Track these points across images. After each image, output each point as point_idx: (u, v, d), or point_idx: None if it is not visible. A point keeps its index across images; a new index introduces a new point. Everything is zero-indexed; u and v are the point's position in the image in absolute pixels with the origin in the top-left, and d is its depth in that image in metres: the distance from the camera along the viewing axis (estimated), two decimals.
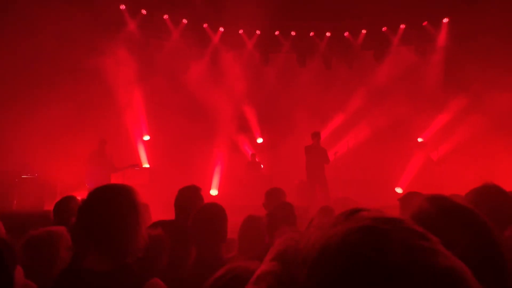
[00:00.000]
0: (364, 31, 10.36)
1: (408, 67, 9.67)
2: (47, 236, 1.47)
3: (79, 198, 2.74)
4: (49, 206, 6.36)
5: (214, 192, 9.03)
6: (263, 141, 10.56)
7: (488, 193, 1.56)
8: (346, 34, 10.51)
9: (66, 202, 2.54)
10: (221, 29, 10.27)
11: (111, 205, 1.24)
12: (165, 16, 9.66)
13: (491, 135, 7.92)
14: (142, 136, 9.34)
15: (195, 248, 1.72)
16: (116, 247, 1.21)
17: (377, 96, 9.66)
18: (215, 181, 9.20)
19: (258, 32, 10.42)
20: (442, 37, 9.66)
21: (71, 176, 6.80)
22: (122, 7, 9.04)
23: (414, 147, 9.27)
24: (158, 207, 3.57)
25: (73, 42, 7.31)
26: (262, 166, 9.40)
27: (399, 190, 8.87)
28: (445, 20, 9.56)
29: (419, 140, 9.48)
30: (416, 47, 10.15)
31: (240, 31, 10.42)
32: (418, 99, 9.17)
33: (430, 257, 0.33)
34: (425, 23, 9.82)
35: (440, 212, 0.86)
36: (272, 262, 0.39)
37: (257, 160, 9.41)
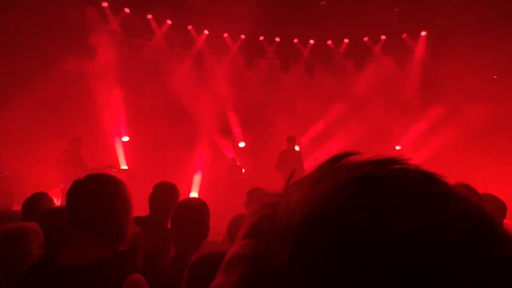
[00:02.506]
0: (346, 40, 10.62)
1: (388, 76, 9.98)
2: (17, 231, 1.38)
3: (50, 195, 2.61)
4: (19, 206, 6.07)
5: (194, 195, 8.89)
6: (245, 145, 10.54)
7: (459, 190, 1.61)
8: (329, 42, 10.73)
9: (36, 199, 2.40)
10: (206, 31, 10.24)
11: (102, 193, 1.19)
12: (149, 16, 9.52)
13: (466, 145, 8.26)
14: (121, 137, 9.10)
15: (174, 244, 1.66)
16: (109, 235, 1.15)
17: (357, 105, 9.89)
18: (196, 184, 9.07)
19: (242, 36, 10.46)
20: (420, 49, 10.05)
21: (42, 176, 6.51)
22: (105, 4, 8.84)
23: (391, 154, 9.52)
24: (137, 209, 3.47)
25: (50, 39, 7.06)
26: (243, 170, 9.36)
27: None
28: (423, 33, 9.96)
29: (397, 148, 9.75)
30: (396, 57, 10.50)
31: (225, 35, 10.43)
32: (396, 108, 9.46)
33: (451, 203, 0.26)
34: (404, 35, 10.19)
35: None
36: (244, 241, 0.28)
37: (237, 164, 9.36)
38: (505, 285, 0.22)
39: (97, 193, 1.18)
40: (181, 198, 2.41)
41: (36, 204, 2.34)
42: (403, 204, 0.24)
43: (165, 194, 2.26)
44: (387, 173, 0.27)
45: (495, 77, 9.42)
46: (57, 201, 4.54)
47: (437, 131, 8.95)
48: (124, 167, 8.78)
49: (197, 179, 9.12)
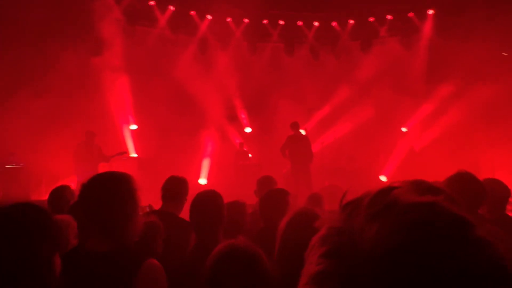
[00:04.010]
0: (351, 22, 10.44)
1: (394, 58, 9.85)
2: (60, 223, 1.52)
3: (72, 187, 2.76)
4: (35, 196, 6.30)
5: (203, 181, 9.08)
6: (251, 131, 10.62)
7: (462, 179, 1.70)
8: (334, 24, 10.56)
9: (60, 191, 2.57)
10: (209, 17, 10.14)
11: (111, 191, 1.30)
12: (152, 3, 9.45)
13: (473, 125, 8.22)
14: (129, 125, 9.24)
15: (195, 233, 1.79)
16: (114, 230, 1.28)
17: (363, 87, 9.83)
18: (204, 170, 9.24)
19: (246, 20, 10.34)
20: (427, 28, 9.85)
21: (56, 166, 6.71)
22: None
23: (398, 137, 9.53)
24: (147, 196, 3.61)
25: (57, 30, 7.11)
26: (250, 155, 9.48)
27: (383, 178, 9.14)
28: (430, 11, 9.74)
29: (403, 130, 9.74)
30: (402, 38, 10.31)
31: (228, 19, 10.32)
32: (402, 90, 9.39)
33: (481, 249, 0.36)
34: (411, 14, 9.97)
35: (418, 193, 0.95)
36: (329, 260, 0.38)
37: (245, 149, 9.48)
38: None
39: (103, 194, 1.30)
40: (190, 184, 2.56)
41: (60, 196, 2.49)
42: (444, 249, 0.36)
43: (176, 187, 2.40)
44: (434, 217, 0.38)
45: (505, 54, 9.25)
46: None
47: (444, 111, 8.89)
48: (134, 154, 8.96)
49: (205, 165, 9.28)
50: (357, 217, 0.40)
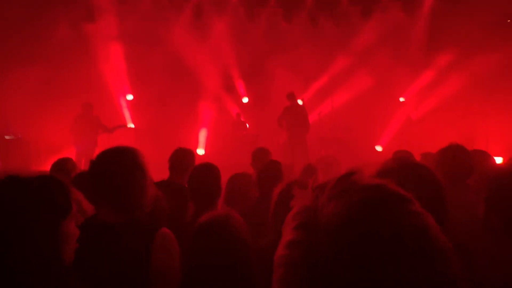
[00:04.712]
0: None
1: (394, 25, 9.59)
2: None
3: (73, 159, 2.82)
4: (35, 167, 6.38)
5: (200, 151, 9.16)
6: (248, 101, 10.55)
7: (452, 151, 1.78)
8: None
9: (62, 163, 2.64)
10: None
11: (121, 164, 1.35)
12: None
13: (472, 95, 8.18)
14: (125, 95, 9.14)
15: (193, 204, 1.87)
16: (126, 202, 1.33)
17: (363, 55, 9.65)
18: (202, 140, 9.30)
19: None
20: None
21: (54, 136, 6.73)
22: None
23: (395, 106, 9.52)
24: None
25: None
26: (247, 125, 9.51)
27: (379, 148, 9.25)
28: None
29: (401, 99, 9.71)
30: (404, 3, 9.98)
31: None
32: (402, 58, 9.24)
33: (412, 219, 0.45)
34: None
35: (400, 169, 1.01)
36: (297, 231, 0.47)
37: (242, 119, 9.48)
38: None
39: (114, 167, 1.34)
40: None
41: (62, 167, 2.56)
42: (381, 220, 0.45)
43: (184, 158, 2.48)
44: (378, 196, 0.47)
45: (509, 21, 9.02)
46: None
47: (443, 81, 8.82)
48: (131, 125, 8.96)
49: (202, 135, 9.33)
50: (321, 197, 0.49)
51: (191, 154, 2.62)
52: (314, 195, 0.50)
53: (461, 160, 1.73)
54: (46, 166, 2.91)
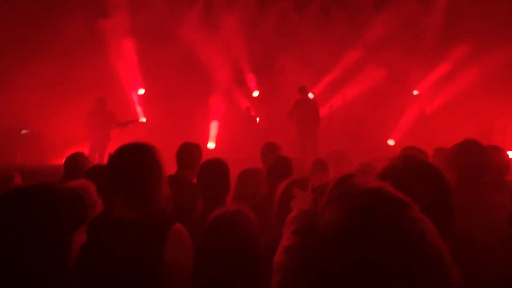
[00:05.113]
0: None
1: (409, 16, 9.35)
2: (84, 186, 1.62)
3: (85, 153, 2.89)
4: (52, 161, 6.55)
5: (211, 145, 9.21)
6: (258, 94, 10.52)
7: (467, 147, 1.72)
8: None
9: (75, 157, 2.71)
10: None
11: (140, 160, 1.37)
12: None
13: (488, 88, 7.95)
14: (136, 89, 9.24)
15: (202, 199, 1.89)
16: (143, 198, 1.36)
17: (376, 48, 9.46)
18: (212, 134, 9.34)
19: None
20: None
21: (69, 131, 6.88)
22: None
23: (409, 100, 9.33)
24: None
25: None
26: (258, 119, 9.49)
27: (391, 142, 9.11)
28: None
29: (415, 93, 9.51)
30: None
31: None
32: (417, 50, 9.03)
33: (409, 225, 0.45)
34: None
35: (406, 168, 0.98)
36: (295, 236, 0.48)
37: (252, 114, 9.47)
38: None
39: (131, 163, 1.37)
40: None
41: (75, 161, 2.64)
42: (379, 226, 0.45)
43: (191, 153, 2.47)
44: (375, 202, 0.47)
45: None
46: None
47: (459, 74, 8.58)
48: (143, 119, 9.06)
49: (213, 129, 9.36)
50: (320, 201, 0.49)
51: (198, 148, 2.58)
52: (313, 198, 0.50)
53: (476, 157, 1.67)
54: (61, 160, 2.98)
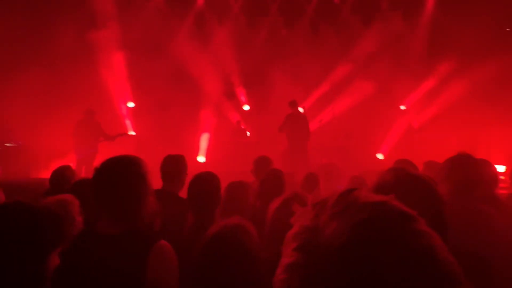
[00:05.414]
0: None
1: (395, 33, 9.65)
2: (63, 203, 1.56)
3: (72, 166, 2.80)
4: (34, 174, 6.35)
5: (201, 159, 9.14)
6: (249, 108, 10.57)
7: (461, 161, 1.73)
8: None
9: (62, 171, 2.61)
10: None
11: (124, 175, 1.33)
12: None
13: (474, 102, 8.18)
14: (126, 102, 9.16)
15: (192, 213, 1.84)
16: (126, 213, 1.31)
17: (363, 63, 9.69)
18: (202, 148, 9.28)
19: None
20: (430, 2, 9.59)
21: (54, 144, 6.72)
22: None
23: (396, 114, 9.51)
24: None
25: (53, 7, 6.91)
26: (248, 133, 9.49)
27: (380, 156, 9.21)
28: None
29: (402, 107, 9.71)
30: (404, 11, 10.06)
31: None
32: (402, 66, 9.27)
33: (417, 239, 0.42)
34: None
35: (397, 182, 0.97)
36: (297, 254, 0.45)
37: (242, 127, 9.48)
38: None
39: (116, 177, 1.33)
40: (188, 162, 2.55)
41: (62, 175, 2.54)
42: (385, 242, 0.42)
43: (174, 166, 2.39)
44: (380, 215, 0.44)
45: (509, 30, 9.07)
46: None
47: (444, 89, 8.83)
48: (132, 132, 8.95)
49: (203, 142, 9.31)
50: (322, 216, 0.46)
51: (182, 159, 2.48)
52: (314, 213, 0.47)
53: (471, 171, 1.68)
54: (46, 173, 2.88)
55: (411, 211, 0.46)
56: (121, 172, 1.34)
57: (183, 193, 2.49)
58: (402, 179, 0.99)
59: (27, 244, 0.94)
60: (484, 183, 1.69)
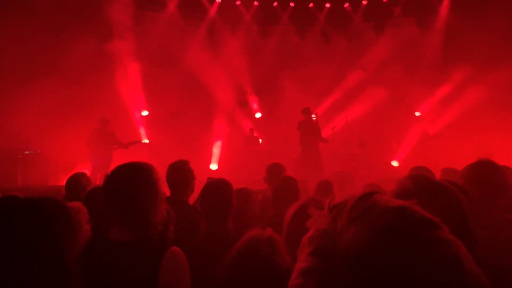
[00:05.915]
0: (364, 2, 10.12)
1: (408, 40, 9.56)
2: (71, 210, 1.57)
3: (87, 174, 2.85)
4: (53, 182, 6.50)
5: (214, 166, 9.16)
6: (261, 116, 10.59)
7: (482, 168, 1.65)
8: (346, 5, 10.26)
9: (76, 178, 2.66)
10: (218, 0, 9.98)
11: (133, 182, 1.33)
12: None
13: (489, 109, 7.97)
14: (140, 111, 9.32)
15: (205, 221, 1.83)
16: (137, 221, 1.32)
17: (377, 70, 9.60)
18: (215, 155, 9.31)
19: (256, 3, 10.14)
20: (444, 8, 9.47)
21: (72, 152, 6.88)
22: None
23: (411, 121, 9.35)
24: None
25: (68, 18, 7.15)
26: (260, 140, 9.49)
27: (395, 163, 9.04)
28: None
29: (417, 114, 9.54)
30: (417, 18, 9.97)
31: (238, 3, 10.14)
32: (417, 73, 9.14)
33: (441, 248, 0.40)
34: None
35: (417, 190, 0.93)
36: (313, 258, 0.43)
37: (255, 135, 9.48)
38: None
39: (127, 185, 1.33)
40: (201, 169, 2.51)
41: (76, 182, 2.59)
42: (407, 250, 0.40)
43: (176, 174, 2.32)
44: (401, 222, 0.42)
45: None
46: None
47: (460, 95, 8.64)
48: (146, 140, 9.07)
49: (216, 150, 9.35)
50: (340, 220, 0.44)
51: (186, 166, 2.38)
52: (331, 217, 0.46)
53: (495, 177, 1.59)
54: (63, 181, 2.95)
55: (434, 218, 0.43)
56: (131, 179, 1.34)
57: (194, 198, 2.47)
58: (422, 185, 0.95)
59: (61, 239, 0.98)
60: (509, 190, 1.61)
